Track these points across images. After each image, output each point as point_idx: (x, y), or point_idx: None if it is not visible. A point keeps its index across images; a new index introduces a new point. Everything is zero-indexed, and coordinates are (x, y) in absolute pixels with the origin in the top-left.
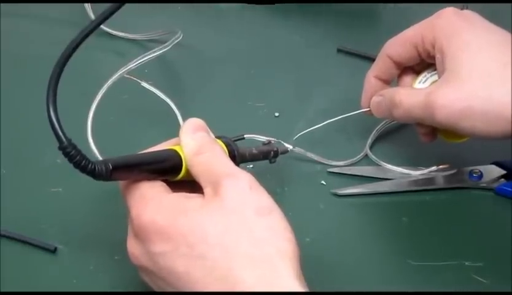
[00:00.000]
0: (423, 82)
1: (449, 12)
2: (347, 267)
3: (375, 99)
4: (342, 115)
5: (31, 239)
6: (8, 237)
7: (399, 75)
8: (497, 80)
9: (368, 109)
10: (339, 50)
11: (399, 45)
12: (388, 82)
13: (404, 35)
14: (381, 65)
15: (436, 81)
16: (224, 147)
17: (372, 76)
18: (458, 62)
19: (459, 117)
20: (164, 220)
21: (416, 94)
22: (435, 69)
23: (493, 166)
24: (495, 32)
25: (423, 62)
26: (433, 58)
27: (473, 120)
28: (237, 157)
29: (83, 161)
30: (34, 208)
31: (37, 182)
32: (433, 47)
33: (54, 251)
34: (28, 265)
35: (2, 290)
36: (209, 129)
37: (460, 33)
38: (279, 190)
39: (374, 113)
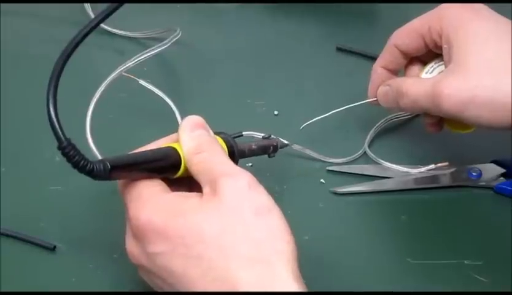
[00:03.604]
0: (430, 72)
1: (456, 3)
2: (346, 265)
3: (382, 88)
4: (347, 105)
5: (30, 238)
6: (7, 235)
7: (406, 66)
8: (503, 70)
9: (374, 98)
10: (338, 49)
11: (406, 35)
12: (395, 72)
13: (411, 26)
14: (388, 55)
15: (443, 71)
16: (223, 144)
17: (379, 66)
18: (465, 53)
19: (465, 106)
20: (162, 220)
21: (423, 83)
22: (442, 60)
23: (493, 165)
24: (502, 23)
25: (430, 53)
26: (440, 48)
27: (478, 110)
28: (236, 154)
29: (82, 162)
30: (33, 206)
31: (36, 180)
32: (440, 37)
33: (53, 249)
34: (27, 263)
35: (2, 288)
36: (208, 127)
37: (467, 23)
38: (278, 189)
39: (381, 103)
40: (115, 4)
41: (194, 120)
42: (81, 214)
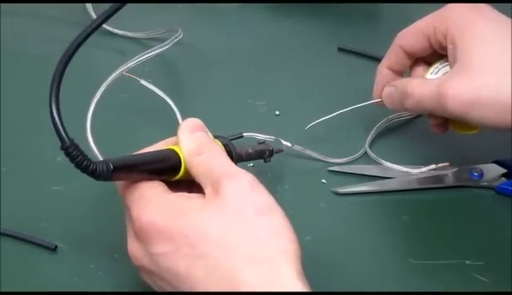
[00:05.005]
0: (435, 73)
1: (461, 3)
2: (348, 265)
3: (387, 89)
4: (351, 106)
5: (32, 238)
6: (8, 235)
7: (412, 66)
8: (508, 71)
9: (379, 99)
10: (339, 49)
11: (411, 36)
12: (401, 73)
13: (416, 26)
14: (393, 56)
15: (448, 72)
16: (223, 147)
17: (384, 67)
18: (470, 53)
19: (469, 107)
20: (165, 220)
21: (428, 84)
22: (447, 60)
23: (494, 165)
24: (506, 24)
25: (436, 54)
26: (445, 49)
27: (483, 111)
28: (235, 157)
29: (85, 162)
30: (34, 206)
31: (37, 180)
32: (445, 38)
33: (54, 249)
34: (29, 263)
35: (3, 288)
36: (207, 129)
37: (473, 24)
38: (279, 189)
39: (386, 104)
40: (117, 4)
41: (193, 122)
42: (83, 214)
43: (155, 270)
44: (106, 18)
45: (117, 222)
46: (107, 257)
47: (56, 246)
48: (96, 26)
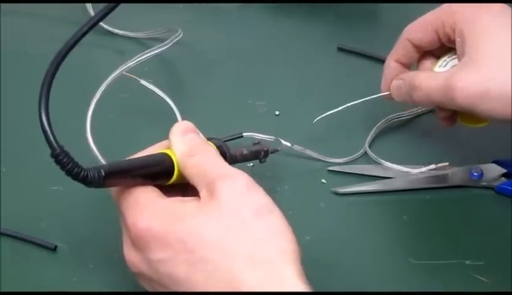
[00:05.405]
0: (443, 66)
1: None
2: (347, 265)
3: (395, 82)
4: (359, 99)
5: (31, 238)
6: (8, 235)
7: (420, 60)
8: None
9: (387, 92)
10: (339, 49)
11: (419, 30)
12: (408, 66)
13: (424, 20)
14: (401, 49)
15: (456, 65)
16: (216, 149)
17: (392, 60)
18: (478, 46)
19: (478, 99)
20: (161, 226)
21: (436, 77)
22: (455, 54)
23: (494, 165)
24: None
25: (443, 47)
26: (453, 42)
27: (491, 103)
28: (229, 159)
29: (75, 169)
30: (34, 206)
31: (37, 180)
32: (453, 31)
33: (54, 249)
34: (28, 263)
35: (2, 288)
36: (198, 131)
37: (480, 17)
38: (279, 189)
39: (394, 97)
40: (112, 4)
41: (184, 124)
42: (83, 214)
43: (154, 276)
44: (99, 20)
45: (117, 222)
46: (107, 257)
47: (55, 246)
48: (91, 26)
